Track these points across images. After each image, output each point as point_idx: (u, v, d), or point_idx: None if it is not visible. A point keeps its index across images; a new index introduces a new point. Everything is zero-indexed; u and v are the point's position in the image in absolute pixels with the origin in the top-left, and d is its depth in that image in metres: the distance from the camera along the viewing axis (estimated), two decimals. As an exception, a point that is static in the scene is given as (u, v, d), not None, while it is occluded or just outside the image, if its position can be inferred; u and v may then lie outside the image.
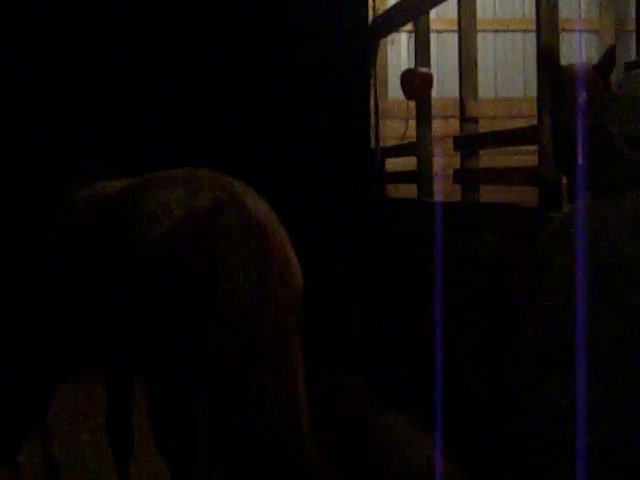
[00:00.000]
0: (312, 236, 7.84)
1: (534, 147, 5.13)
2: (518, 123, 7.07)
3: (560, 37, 4.93)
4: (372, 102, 8.17)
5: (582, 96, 3.91)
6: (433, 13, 7.03)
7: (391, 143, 8.20)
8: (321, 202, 7.87)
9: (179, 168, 3.87)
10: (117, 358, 4.28)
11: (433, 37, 7.27)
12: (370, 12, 8.15)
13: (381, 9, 8.13)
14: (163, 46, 7.60)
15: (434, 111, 7.10)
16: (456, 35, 6.49)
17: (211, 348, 3.37)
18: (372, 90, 8.16)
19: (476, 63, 6.27)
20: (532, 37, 5.70)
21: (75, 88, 7.40)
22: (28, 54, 7.38)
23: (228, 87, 7.80)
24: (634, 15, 4.97)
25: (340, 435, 5.83)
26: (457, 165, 6.42)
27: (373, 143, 8.17)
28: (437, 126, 7.44)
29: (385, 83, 8.34)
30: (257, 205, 3.60)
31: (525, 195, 6.17)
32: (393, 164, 8.07)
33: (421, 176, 7.03)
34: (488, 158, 7.11)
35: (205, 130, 7.68)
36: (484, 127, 6.62)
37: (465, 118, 6.27)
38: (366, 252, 7.89)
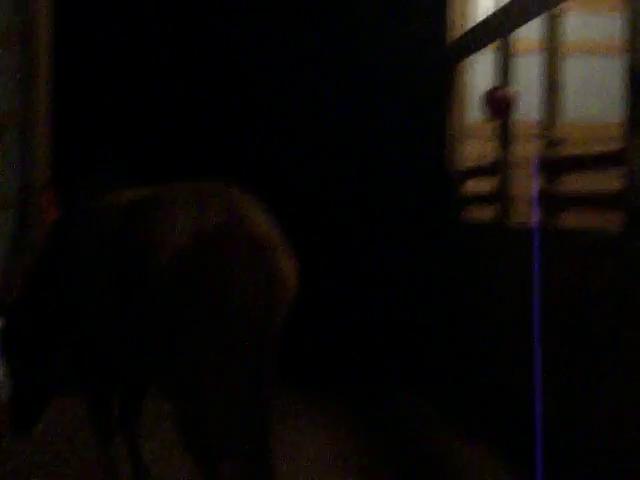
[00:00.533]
0: (388, 260, 7.80)
1: (619, 171, 5.00)
2: (601, 146, 6.92)
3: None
4: (451, 122, 8.07)
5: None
6: (516, 33, 6.91)
7: (470, 165, 8.09)
8: (397, 224, 7.80)
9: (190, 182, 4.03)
10: (123, 369, 4.41)
11: (516, 58, 7.14)
12: (451, 31, 8.06)
13: (463, 28, 8.04)
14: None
15: (515, 132, 6.99)
16: (539, 56, 6.38)
17: (222, 359, 3.64)
18: (451, 110, 8.06)
19: (560, 85, 6.16)
20: (617, 60, 5.58)
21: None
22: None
23: (305, 106, 7.78)
24: None
25: (415, 463, 5.72)
26: (538, 188, 6.29)
27: (452, 164, 8.07)
28: (518, 148, 7.31)
29: (465, 104, 8.23)
30: (261, 222, 3.80)
31: (605, 220, 6.02)
32: (472, 186, 7.96)
33: (501, 199, 6.91)
34: (570, 181, 6.96)
35: (282, 151, 7.67)
36: (567, 150, 6.49)
37: (547, 140, 6.16)
38: (443, 276, 7.78)
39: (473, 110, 7.94)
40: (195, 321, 3.65)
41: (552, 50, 6.19)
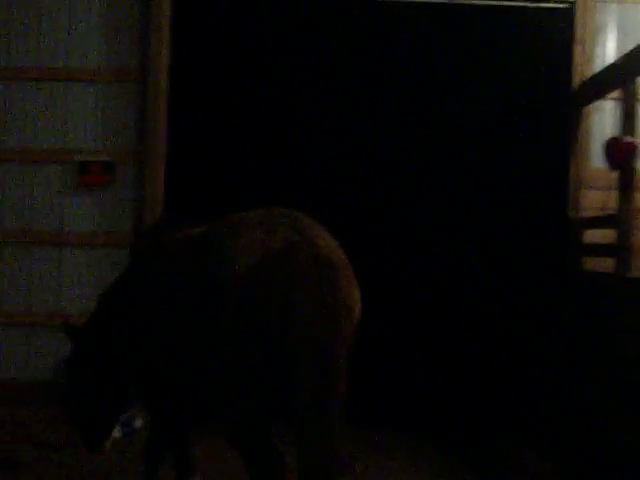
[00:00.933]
0: (504, 308, 7.58)
1: None
2: None
3: None
4: (572, 171, 7.82)
5: None
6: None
7: (590, 214, 7.82)
8: (513, 272, 7.60)
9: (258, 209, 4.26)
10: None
11: (640, 105, 6.88)
12: (575, 76, 7.84)
13: (587, 74, 7.81)
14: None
15: (638, 182, 6.71)
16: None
17: (288, 373, 3.78)
18: (573, 158, 7.82)
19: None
20: None
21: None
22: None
23: (427, 149, 7.71)
24: None
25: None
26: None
27: (572, 213, 7.82)
28: (641, 198, 7.03)
29: (588, 151, 7.98)
30: (326, 243, 3.98)
31: None
32: (591, 236, 7.69)
33: (622, 249, 6.63)
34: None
35: (406, 195, 7.63)
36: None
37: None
38: (561, 327, 7.52)
39: (596, 158, 7.69)
40: (259, 334, 3.85)
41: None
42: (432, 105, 7.80)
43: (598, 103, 7.92)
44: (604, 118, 8.19)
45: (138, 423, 7.10)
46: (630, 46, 6.55)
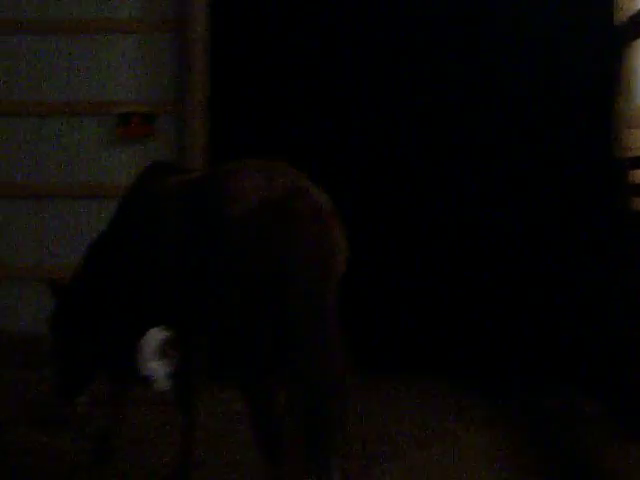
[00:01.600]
0: (552, 249, 7.51)
1: None
2: None
3: None
4: (617, 109, 7.68)
5: None
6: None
7: (638, 153, 7.68)
8: (562, 213, 7.52)
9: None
10: (188, 322, 4.78)
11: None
12: (619, 12, 7.67)
13: (630, 10, 7.63)
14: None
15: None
16: None
17: (284, 311, 4.01)
18: (618, 96, 7.67)
19: None
20: None
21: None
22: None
23: (471, 93, 7.64)
24: None
25: (574, 465, 5.43)
26: None
27: (618, 152, 7.68)
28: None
29: (633, 89, 7.81)
30: (319, 193, 4.25)
31: None
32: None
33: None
34: None
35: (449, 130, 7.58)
36: None
37: None
38: (609, 268, 7.43)
39: (642, 96, 7.55)
40: (258, 271, 4.07)
41: None
42: (475, 48, 7.69)
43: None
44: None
45: (144, 371, 7.11)
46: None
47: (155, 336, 6.96)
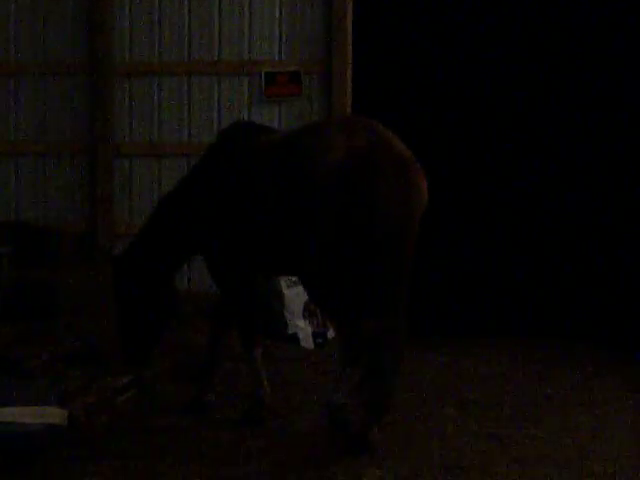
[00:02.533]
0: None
1: None
2: None
3: None
4: None
5: None
6: None
7: None
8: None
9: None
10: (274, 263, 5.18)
11: None
12: None
13: None
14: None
15: None
16: None
17: (370, 250, 4.50)
18: None
19: None
20: None
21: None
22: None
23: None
24: None
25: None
26: None
27: None
28: None
29: None
30: (399, 144, 4.66)
31: None
32: None
33: None
34: None
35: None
36: None
37: None
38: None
39: None
40: (348, 216, 4.50)
41: None
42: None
43: None
44: None
45: (330, 334, 7.09)
46: None
47: (301, 295, 6.93)
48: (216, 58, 7.78)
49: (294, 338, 7.04)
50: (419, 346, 7.16)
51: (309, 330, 7.09)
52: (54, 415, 4.56)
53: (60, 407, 4.64)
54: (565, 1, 8.05)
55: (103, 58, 7.80)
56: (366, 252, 4.53)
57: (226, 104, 7.78)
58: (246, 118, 7.65)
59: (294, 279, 6.85)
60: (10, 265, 6.78)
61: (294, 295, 7.05)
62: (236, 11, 7.77)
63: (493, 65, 8.17)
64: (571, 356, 7.17)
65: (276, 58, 7.71)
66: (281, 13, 7.70)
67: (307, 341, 7.06)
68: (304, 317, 7.08)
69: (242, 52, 7.76)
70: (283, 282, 7.07)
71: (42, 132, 8.02)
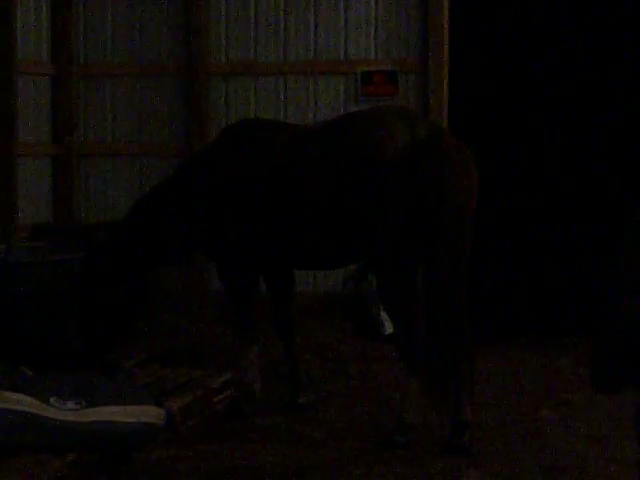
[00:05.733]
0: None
1: None
2: None
3: None
4: None
5: None
6: None
7: None
8: None
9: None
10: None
11: None
12: None
13: None
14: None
15: None
16: None
17: (436, 235, 4.57)
18: None
19: None
20: None
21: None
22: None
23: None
24: None
25: None
26: None
27: None
28: None
29: None
30: (452, 136, 4.78)
31: None
32: None
33: None
34: None
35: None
36: None
37: None
38: None
39: None
40: (412, 205, 4.55)
41: None
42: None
43: None
44: None
45: (389, 329, 6.93)
46: None
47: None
48: (312, 57, 7.74)
49: (391, 339, 6.90)
50: (517, 346, 7.03)
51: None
52: (152, 414, 4.54)
53: (157, 407, 4.62)
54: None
55: (199, 59, 7.80)
56: (432, 241, 4.59)
57: (322, 103, 7.72)
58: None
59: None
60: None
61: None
62: (332, 10, 7.70)
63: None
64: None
65: (372, 57, 7.64)
66: (377, 11, 7.61)
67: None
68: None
69: (338, 51, 7.70)
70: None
71: (138, 132, 8.06)
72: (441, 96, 7.38)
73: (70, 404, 4.40)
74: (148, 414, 4.52)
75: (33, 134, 7.78)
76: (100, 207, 8.07)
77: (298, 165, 4.95)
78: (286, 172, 4.97)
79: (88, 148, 8.12)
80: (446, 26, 7.41)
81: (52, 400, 4.39)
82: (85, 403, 4.41)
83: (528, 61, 7.95)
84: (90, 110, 8.12)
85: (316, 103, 7.73)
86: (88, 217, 8.00)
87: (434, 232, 4.59)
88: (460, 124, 7.12)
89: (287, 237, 5.06)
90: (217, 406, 5.40)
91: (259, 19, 7.83)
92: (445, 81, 7.41)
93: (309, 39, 7.74)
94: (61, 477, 4.14)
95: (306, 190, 4.87)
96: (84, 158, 8.12)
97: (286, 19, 7.78)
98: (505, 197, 7.77)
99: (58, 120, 7.96)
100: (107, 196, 8.10)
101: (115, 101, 8.12)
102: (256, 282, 5.40)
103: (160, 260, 5.58)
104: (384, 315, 6.90)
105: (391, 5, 7.57)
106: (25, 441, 4.29)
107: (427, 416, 4.85)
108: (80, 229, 7.29)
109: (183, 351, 6.16)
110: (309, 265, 5.68)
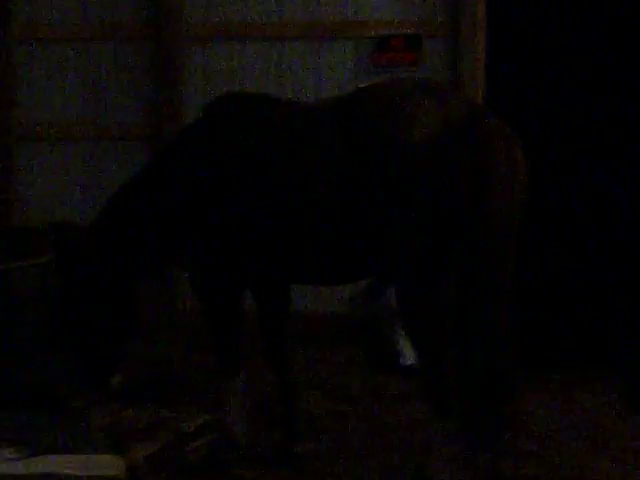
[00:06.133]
0: None
1: None
2: None
3: None
4: None
5: None
6: None
7: None
8: None
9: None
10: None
11: None
12: None
13: None
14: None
15: None
16: None
17: (473, 242, 4.48)
18: None
19: None
20: None
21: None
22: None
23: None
24: None
25: None
26: None
27: None
28: None
29: None
30: (494, 117, 4.62)
31: None
32: None
33: None
34: None
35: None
36: None
37: None
38: None
39: None
40: (447, 200, 4.44)
41: None
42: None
43: None
44: None
45: (409, 359, 6.92)
46: None
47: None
48: (313, 18, 7.75)
49: (411, 371, 6.88)
50: (567, 383, 7.06)
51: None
52: (108, 466, 4.53)
53: (117, 456, 4.61)
54: None
55: (170, 18, 7.81)
56: (468, 249, 4.52)
57: (327, 74, 7.74)
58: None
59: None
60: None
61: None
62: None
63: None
64: None
65: (389, 18, 7.66)
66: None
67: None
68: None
69: (346, 10, 7.73)
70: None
71: (94, 111, 8.06)
72: (475, 67, 7.43)
73: (7, 452, 4.40)
74: (105, 465, 4.50)
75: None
76: (46, 204, 8.03)
77: (297, 154, 4.91)
78: (282, 163, 4.95)
79: (30, 130, 8.07)
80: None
81: (-17, 447, 4.40)
82: (27, 451, 4.40)
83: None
84: (33, 82, 8.09)
85: (319, 75, 7.75)
86: (30, 216, 7.96)
87: (471, 238, 4.50)
88: (499, 102, 7.17)
89: (281, 243, 5.01)
90: (191, 455, 5.31)
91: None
92: (482, 48, 7.46)
93: (309, -7, 7.78)
94: None
95: (307, 185, 4.82)
96: (24, 142, 8.08)
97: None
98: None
99: (-9, 94, 7.96)
100: (54, 190, 8.06)
101: (65, 72, 8.09)
102: (238, 298, 5.38)
103: (137, 270, 5.63)
104: (403, 342, 6.89)
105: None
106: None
107: (455, 472, 4.80)
108: (21, 232, 7.27)
109: (150, 386, 6.15)
110: (309, 279, 5.53)
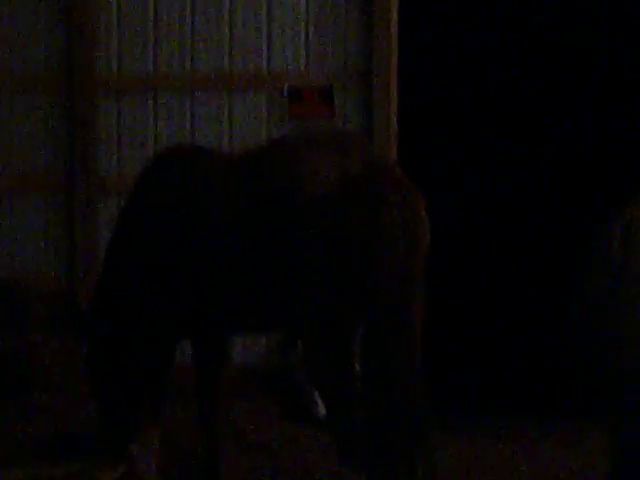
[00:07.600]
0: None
1: None
2: None
3: None
4: None
5: None
6: None
7: None
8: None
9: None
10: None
11: None
12: None
13: None
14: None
15: None
16: None
17: (371, 298, 4.48)
18: None
19: None
20: None
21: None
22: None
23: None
24: None
25: None
26: None
27: None
28: None
29: None
30: (398, 169, 4.75)
31: None
32: None
33: None
34: None
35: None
36: None
37: None
38: None
39: None
40: (341, 259, 4.46)
41: None
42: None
43: None
44: None
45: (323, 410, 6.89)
46: None
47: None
48: (226, 69, 7.76)
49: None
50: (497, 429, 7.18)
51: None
52: None
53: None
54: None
55: (84, 70, 7.78)
56: (365, 304, 4.52)
57: (239, 125, 7.73)
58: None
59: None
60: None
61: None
62: (251, 12, 7.74)
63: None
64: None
65: (302, 69, 7.68)
66: (308, 12, 7.66)
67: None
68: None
69: (259, 61, 7.73)
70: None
71: (5, 162, 7.97)
72: (388, 116, 7.45)
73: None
74: None
75: None
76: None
77: (210, 204, 4.94)
78: (200, 213, 4.98)
79: None
80: (395, 29, 7.50)
81: None
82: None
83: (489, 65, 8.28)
84: None
85: (232, 127, 7.73)
86: None
87: (369, 294, 4.51)
88: (411, 148, 7.27)
89: (195, 295, 5.04)
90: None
91: (159, 21, 7.82)
92: (394, 98, 7.49)
93: (223, 45, 7.75)
94: None
95: (212, 234, 4.85)
96: None
97: (193, 20, 7.79)
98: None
99: None
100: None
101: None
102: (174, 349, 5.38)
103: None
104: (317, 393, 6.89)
105: (326, 3, 7.63)
106: None
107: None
108: None
109: (59, 440, 6.08)
110: (223, 330, 5.59)
